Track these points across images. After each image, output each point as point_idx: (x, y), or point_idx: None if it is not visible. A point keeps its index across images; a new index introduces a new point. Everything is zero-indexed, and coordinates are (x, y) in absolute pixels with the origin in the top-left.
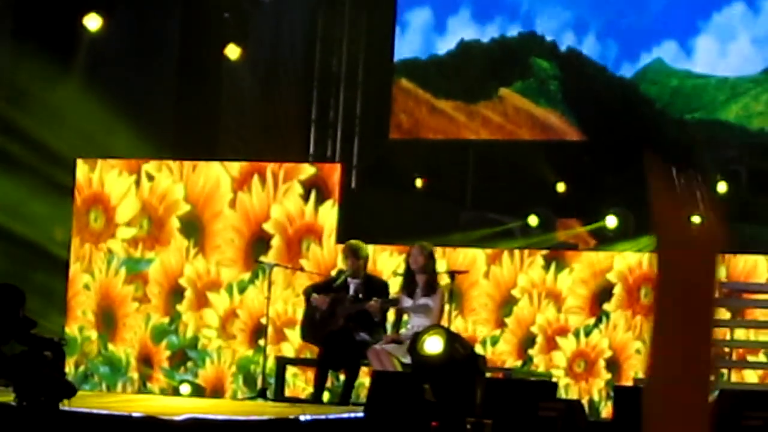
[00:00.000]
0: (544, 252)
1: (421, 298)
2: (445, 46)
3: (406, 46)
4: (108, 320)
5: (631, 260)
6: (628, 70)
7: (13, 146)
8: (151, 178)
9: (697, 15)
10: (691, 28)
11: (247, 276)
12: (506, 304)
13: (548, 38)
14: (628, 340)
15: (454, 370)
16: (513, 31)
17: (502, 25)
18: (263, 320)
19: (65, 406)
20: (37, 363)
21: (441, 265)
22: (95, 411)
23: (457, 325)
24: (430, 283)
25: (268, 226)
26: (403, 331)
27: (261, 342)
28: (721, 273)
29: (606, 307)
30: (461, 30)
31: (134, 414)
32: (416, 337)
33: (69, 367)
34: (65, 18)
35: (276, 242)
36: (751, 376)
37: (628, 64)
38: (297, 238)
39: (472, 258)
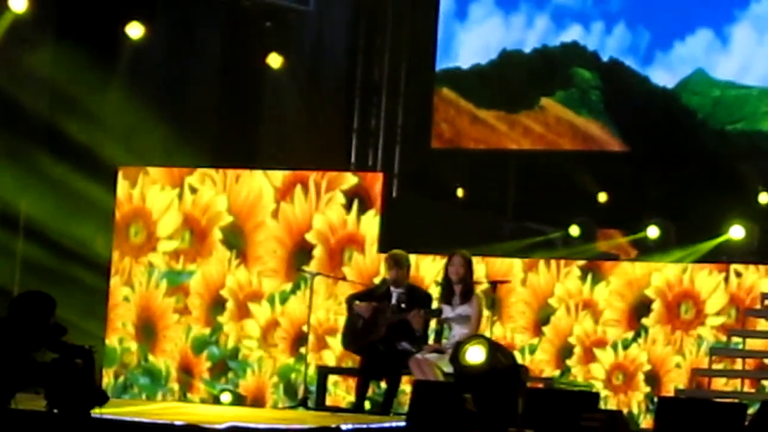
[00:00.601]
0: (581, 263)
1: (458, 306)
2: (487, 55)
3: (449, 54)
4: (148, 332)
5: (670, 275)
6: (669, 80)
7: (54, 154)
8: (194, 190)
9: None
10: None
11: (288, 286)
12: (543, 313)
13: (590, 48)
14: (667, 355)
15: (495, 380)
16: (555, 41)
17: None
18: (305, 328)
19: (97, 413)
20: (67, 370)
21: (480, 272)
22: (137, 419)
23: (496, 333)
24: (467, 291)
25: (310, 236)
26: (444, 340)
27: (302, 350)
28: (764, 284)
29: (645, 321)
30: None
31: (176, 422)
32: (458, 347)
33: (108, 378)
34: (107, 26)
35: (318, 252)
36: None
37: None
38: (339, 248)
39: (508, 265)
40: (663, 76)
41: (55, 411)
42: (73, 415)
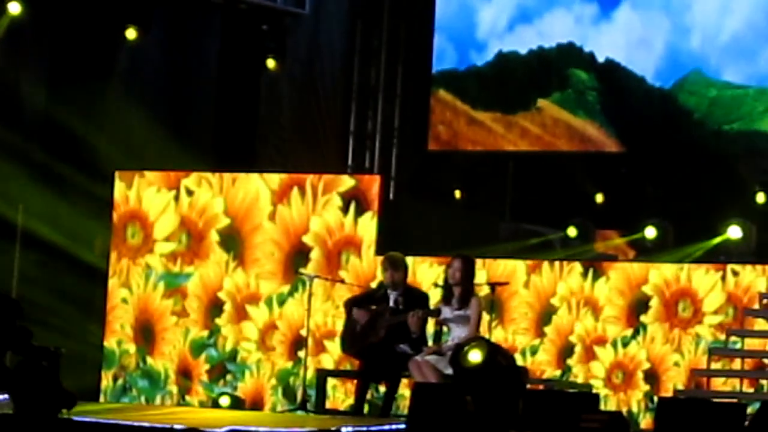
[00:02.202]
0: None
1: (457, 308)
2: (483, 57)
3: (445, 56)
4: (146, 334)
5: (668, 273)
6: (666, 80)
7: (52, 157)
8: (190, 193)
9: None
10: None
11: (286, 289)
12: (545, 313)
13: (586, 49)
14: (666, 353)
15: (495, 381)
16: (551, 42)
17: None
18: (303, 332)
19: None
20: (33, 372)
21: (481, 277)
22: (137, 423)
23: (497, 335)
24: (465, 294)
25: (307, 239)
26: (444, 342)
27: (300, 354)
28: (761, 284)
29: (643, 318)
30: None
31: (176, 426)
32: (458, 349)
33: (107, 380)
34: (104, 30)
35: (315, 255)
36: None
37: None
38: (336, 251)
39: (512, 269)
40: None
41: (22, 414)
42: (40, 418)
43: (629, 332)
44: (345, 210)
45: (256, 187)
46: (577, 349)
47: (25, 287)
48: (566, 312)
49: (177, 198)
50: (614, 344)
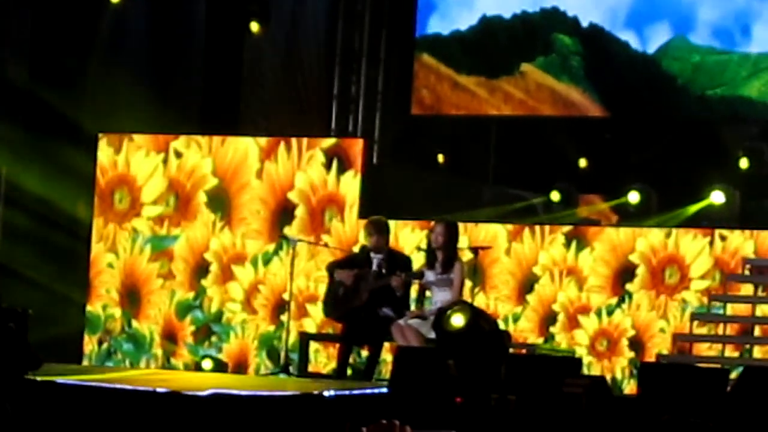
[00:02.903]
0: (566, 229)
1: (440, 272)
2: (467, 21)
3: (429, 21)
4: (132, 298)
5: (654, 241)
6: (650, 46)
7: (36, 121)
8: (179, 155)
9: None
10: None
11: (272, 248)
12: (527, 281)
13: (570, 14)
14: (652, 320)
15: (478, 345)
16: (535, 7)
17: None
18: (285, 296)
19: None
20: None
21: (463, 241)
22: (119, 386)
23: (479, 302)
24: (449, 258)
25: (292, 196)
26: (426, 306)
27: (283, 318)
28: (748, 248)
29: (629, 287)
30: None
31: (159, 389)
32: (441, 313)
33: (92, 345)
34: None
35: (300, 212)
36: None
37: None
38: (320, 209)
39: (493, 234)
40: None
41: None
42: (5, 379)
43: (614, 301)
44: (328, 167)
45: (245, 146)
46: (560, 317)
47: (9, 250)
48: (549, 281)
49: (165, 161)
50: (598, 313)
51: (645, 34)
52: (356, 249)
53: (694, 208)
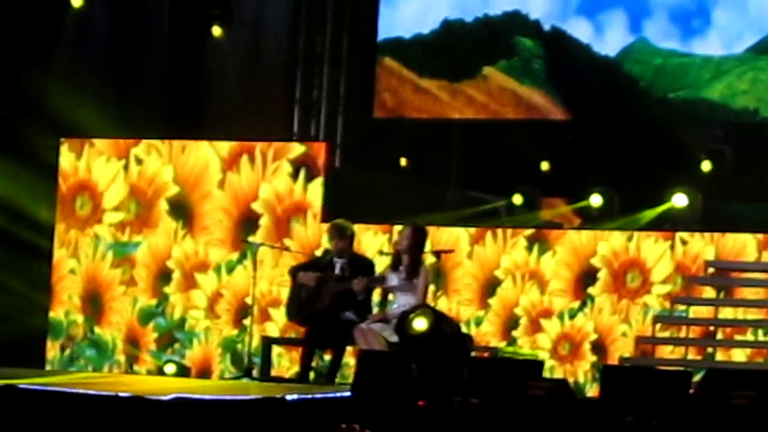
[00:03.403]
0: (528, 233)
1: (405, 277)
2: (429, 25)
3: (391, 24)
4: (94, 304)
5: (616, 244)
6: (612, 49)
7: None
8: (139, 161)
9: None
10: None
11: (235, 256)
12: (489, 284)
13: (532, 17)
14: (614, 323)
15: (440, 349)
16: (497, 10)
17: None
18: (248, 300)
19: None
20: None
21: (426, 245)
22: (82, 391)
23: (442, 306)
24: (414, 262)
25: (256, 206)
26: (389, 310)
27: (246, 322)
28: (709, 252)
29: (591, 290)
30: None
31: (121, 394)
32: (404, 317)
33: (55, 351)
34: None
35: (264, 221)
36: (739, 355)
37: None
38: (286, 217)
39: (455, 238)
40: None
41: None
42: None
43: (576, 304)
44: (295, 176)
45: (205, 155)
46: (523, 321)
47: None
48: (511, 284)
49: (126, 167)
50: (561, 316)
51: (607, 36)
52: (319, 253)
53: (656, 211)
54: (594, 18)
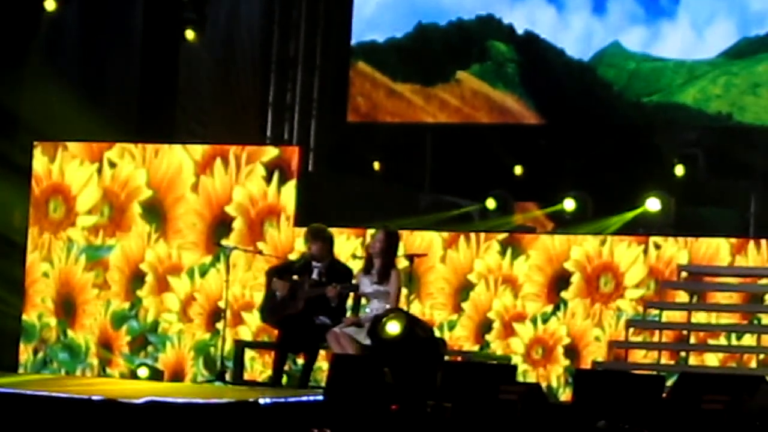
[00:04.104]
0: (501, 237)
1: (377, 281)
2: (403, 29)
3: (364, 28)
4: (67, 307)
5: (589, 248)
6: (585, 53)
7: None
8: (113, 165)
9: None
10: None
11: (208, 259)
12: (462, 288)
13: (506, 21)
14: (587, 328)
15: (414, 353)
16: (470, 14)
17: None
18: (221, 304)
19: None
20: None
21: (399, 249)
22: (55, 394)
23: (414, 309)
24: (386, 266)
25: (230, 209)
26: (362, 314)
27: (218, 325)
28: (682, 256)
29: (564, 294)
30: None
31: (94, 397)
32: (376, 320)
33: (28, 354)
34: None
35: (238, 225)
36: (712, 360)
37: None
38: (259, 220)
39: (428, 242)
40: (578, 48)
41: None
42: None
43: (549, 308)
44: (268, 180)
45: (179, 159)
46: (496, 325)
47: None
48: (484, 289)
49: (100, 171)
50: (534, 320)
51: (580, 41)
52: (291, 256)
53: (629, 215)
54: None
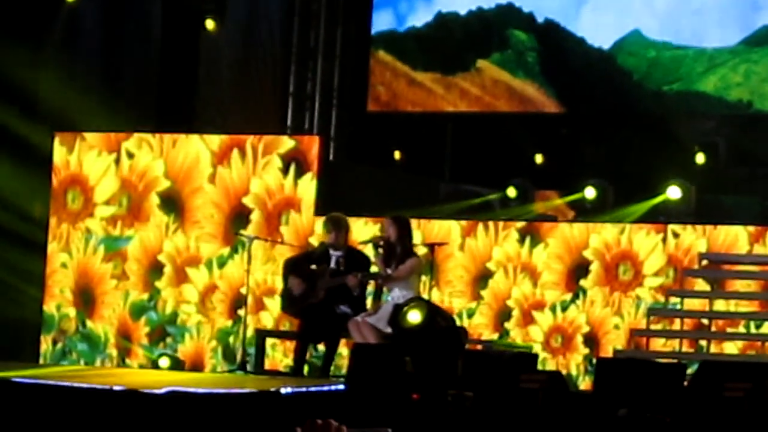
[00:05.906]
0: (519, 225)
1: (396, 269)
2: (423, 18)
3: (384, 18)
4: (86, 298)
5: (608, 237)
6: (605, 42)
7: None
8: (131, 155)
9: None
10: None
11: (226, 251)
12: (481, 276)
13: (525, 10)
14: (606, 316)
15: (435, 342)
16: (490, 3)
17: None
18: (243, 290)
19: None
20: None
21: (418, 238)
22: (77, 384)
23: (434, 297)
24: (404, 253)
25: (247, 201)
26: (383, 302)
27: (240, 312)
28: (701, 244)
29: (583, 283)
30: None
31: (116, 387)
32: (397, 309)
33: (47, 344)
34: None
35: (255, 216)
36: (731, 348)
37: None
38: (276, 212)
39: (447, 230)
40: (598, 37)
41: None
42: None
43: (568, 297)
44: (285, 171)
45: (196, 150)
46: (515, 313)
47: None
48: (503, 277)
49: (117, 161)
50: (553, 309)
51: (601, 29)
52: (312, 242)
53: (650, 204)
54: None
